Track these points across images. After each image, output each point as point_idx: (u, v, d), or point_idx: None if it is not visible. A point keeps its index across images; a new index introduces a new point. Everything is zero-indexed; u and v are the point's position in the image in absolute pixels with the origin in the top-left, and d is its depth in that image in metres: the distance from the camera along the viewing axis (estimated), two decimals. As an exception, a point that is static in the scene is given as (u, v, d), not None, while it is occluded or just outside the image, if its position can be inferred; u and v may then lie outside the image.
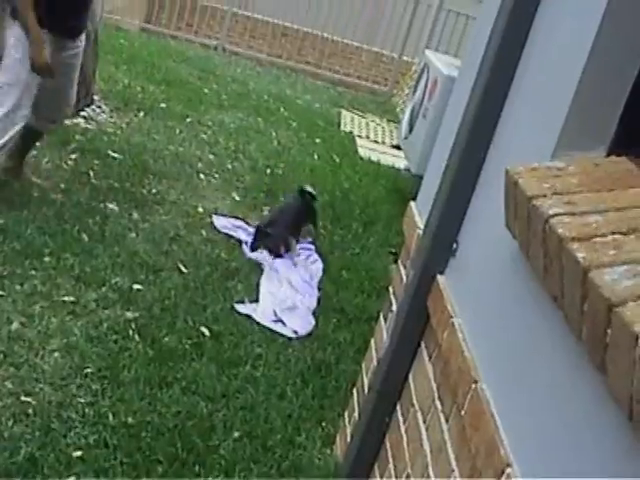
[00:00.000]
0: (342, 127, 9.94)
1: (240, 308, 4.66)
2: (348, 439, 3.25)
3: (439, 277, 2.54)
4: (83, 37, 5.19)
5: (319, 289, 5.18)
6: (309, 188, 5.91)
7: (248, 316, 4.60)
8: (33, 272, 4.34)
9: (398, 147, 8.87)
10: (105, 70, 8.18)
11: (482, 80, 2.44)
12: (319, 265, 5.54)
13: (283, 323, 4.66)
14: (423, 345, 2.64)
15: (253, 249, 5.41)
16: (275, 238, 5.46)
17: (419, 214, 3.15)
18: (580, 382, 1.53)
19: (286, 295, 4.97)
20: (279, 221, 5.64)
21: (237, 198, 6.19)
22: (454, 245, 2.50)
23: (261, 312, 4.69)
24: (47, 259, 4.50)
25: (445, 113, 3.29)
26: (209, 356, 4.08)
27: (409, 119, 7.84)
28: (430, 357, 2.54)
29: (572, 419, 1.56)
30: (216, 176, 6.58)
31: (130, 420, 3.44)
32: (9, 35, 4.85)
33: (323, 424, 3.83)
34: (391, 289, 3.39)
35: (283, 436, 3.64)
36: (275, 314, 4.71)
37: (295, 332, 4.62)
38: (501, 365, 1.97)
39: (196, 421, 3.56)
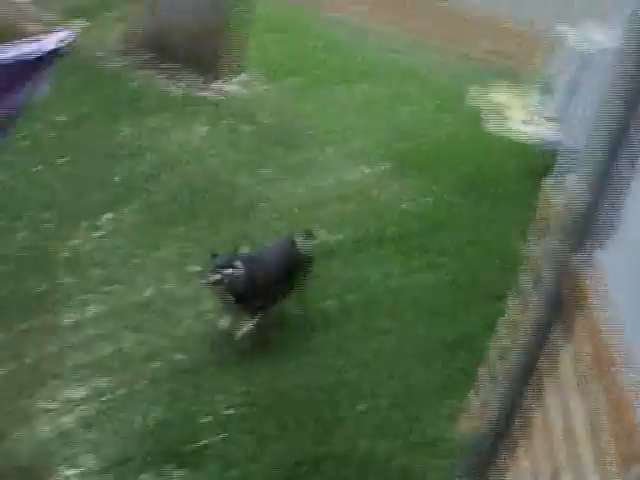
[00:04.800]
0: (470, 102, 9.78)
1: None
2: (477, 414, 3.21)
3: (594, 253, 2.43)
4: None
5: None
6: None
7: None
8: (165, 241, 4.44)
9: (532, 122, 8.69)
10: (257, 38, 8.15)
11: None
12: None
13: None
14: (570, 324, 2.54)
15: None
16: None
17: (556, 190, 3.06)
18: None
19: None
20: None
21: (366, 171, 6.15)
22: (610, 222, 2.39)
23: None
24: (181, 229, 4.60)
25: (598, 88, 3.17)
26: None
27: (552, 95, 7.74)
28: (578, 336, 2.44)
29: None
30: (355, 143, 6.52)
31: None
32: None
33: (449, 400, 3.80)
34: (528, 266, 3.29)
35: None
36: None
37: None
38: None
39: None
